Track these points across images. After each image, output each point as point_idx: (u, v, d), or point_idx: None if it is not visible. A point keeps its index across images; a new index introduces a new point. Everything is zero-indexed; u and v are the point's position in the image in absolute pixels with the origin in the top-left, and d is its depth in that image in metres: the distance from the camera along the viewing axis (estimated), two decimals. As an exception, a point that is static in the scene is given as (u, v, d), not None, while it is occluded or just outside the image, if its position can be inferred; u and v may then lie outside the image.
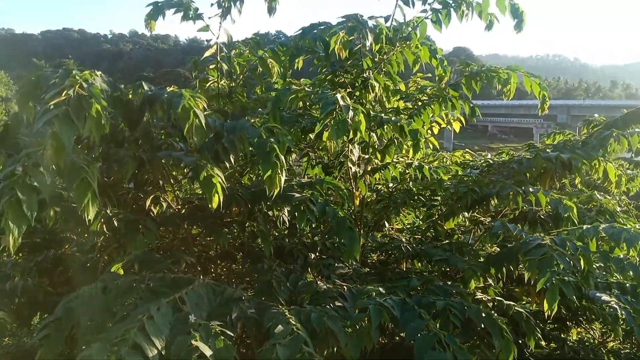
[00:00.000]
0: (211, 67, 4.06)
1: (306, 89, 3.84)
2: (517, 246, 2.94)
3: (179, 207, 3.43)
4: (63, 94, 2.31)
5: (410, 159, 4.07)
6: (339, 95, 3.03)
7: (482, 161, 4.76)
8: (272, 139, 2.67)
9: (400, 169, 4.06)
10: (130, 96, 2.76)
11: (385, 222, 4.45)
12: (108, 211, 3.15)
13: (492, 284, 3.56)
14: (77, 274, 3.50)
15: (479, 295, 3.12)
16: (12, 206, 2.01)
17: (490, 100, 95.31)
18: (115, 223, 3.08)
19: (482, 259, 3.52)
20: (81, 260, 3.59)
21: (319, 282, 3.08)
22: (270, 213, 3.36)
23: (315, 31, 3.75)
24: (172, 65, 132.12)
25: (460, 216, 4.07)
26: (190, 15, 3.70)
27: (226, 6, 3.62)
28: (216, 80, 4.04)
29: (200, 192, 3.73)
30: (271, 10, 3.91)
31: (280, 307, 2.44)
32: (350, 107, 3.00)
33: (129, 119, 2.83)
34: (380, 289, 2.65)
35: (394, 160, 4.03)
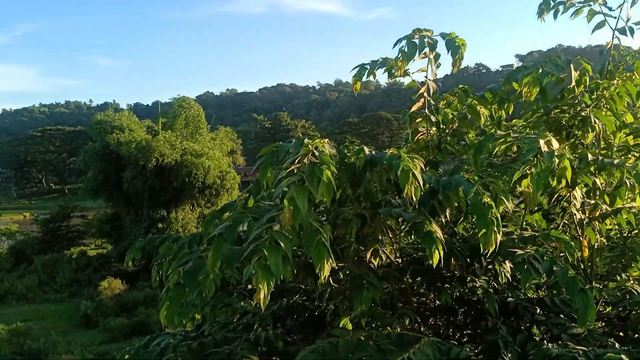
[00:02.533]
0: (419, 119, 4.16)
1: (512, 133, 3.70)
2: None
3: (398, 259, 3.52)
4: (297, 162, 2.58)
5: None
6: (542, 141, 2.87)
7: None
8: (487, 195, 2.63)
9: (636, 212, 3.66)
10: (352, 159, 2.96)
11: (621, 272, 4.01)
12: (334, 264, 3.36)
13: None
14: (307, 322, 3.77)
15: None
16: (261, 266, 2.30)
17: None
18: (341, 276, 3.28)
19: None
20: (310, 308, 3.86)
21: (548, 343, 2.89)
22: (490, 267, 3.27)
23: (521, 75, 3.63)
24: (374, 108, 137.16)
25: None
26: (395, 73, 3.86)
27: (433, 61, 3.69)
28: (425, 131, 4.11)
29: (417, 243, 3.79)
30: (454, 64, 3.89)
31: (510, 370, 2.34)
32: (555, 154, 2.82)
33: (352, 180, 3.02)
34: (623, 356, 2.39)
35: (627, 204, 3.64)
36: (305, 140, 2.78)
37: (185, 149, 37.78)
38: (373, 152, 2.95)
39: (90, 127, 44.60)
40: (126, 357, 5.23)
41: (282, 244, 2.40)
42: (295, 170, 2.53)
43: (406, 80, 3.99)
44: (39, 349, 22.70)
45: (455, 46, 3.71)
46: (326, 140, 2.87)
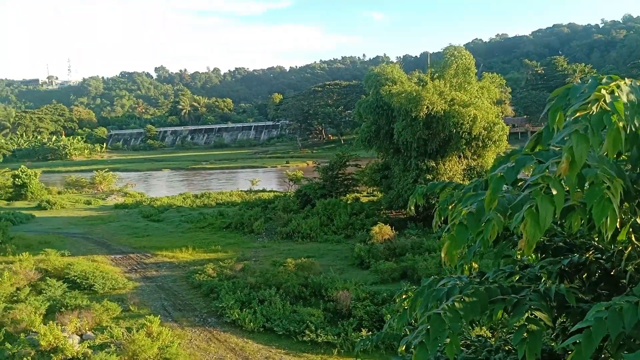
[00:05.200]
0: None
1: None
2: None
3: None
4: (585, 109, 2.33)
5: None
6: None
7: None
8: None
9: None
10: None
11: None
12: (638, 220, 3.00)
13: None
14: (600, 281, 3.47)
15: None
16: (531, 215, 2.18)
17: None
18: (647, 234, 2.91)
19: None
20: (604, 267, 3.54)
21: None
22: None
23: None
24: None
25: None
26: None
27: None
28: None
29: None
30: None
31: None
32: None
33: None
34: None
35: None
36: (604, 80, 2.49)
37: (454, 99, 37.46)
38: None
39: (364, 81, 47.15)
40: (403, 296, 5.56)
41: (556, 193, 2.22)
42: (581, 118, 2.30)
43: None
44: (319, 283, 25.56)
45: None
46: (630, 80, 2.52)
